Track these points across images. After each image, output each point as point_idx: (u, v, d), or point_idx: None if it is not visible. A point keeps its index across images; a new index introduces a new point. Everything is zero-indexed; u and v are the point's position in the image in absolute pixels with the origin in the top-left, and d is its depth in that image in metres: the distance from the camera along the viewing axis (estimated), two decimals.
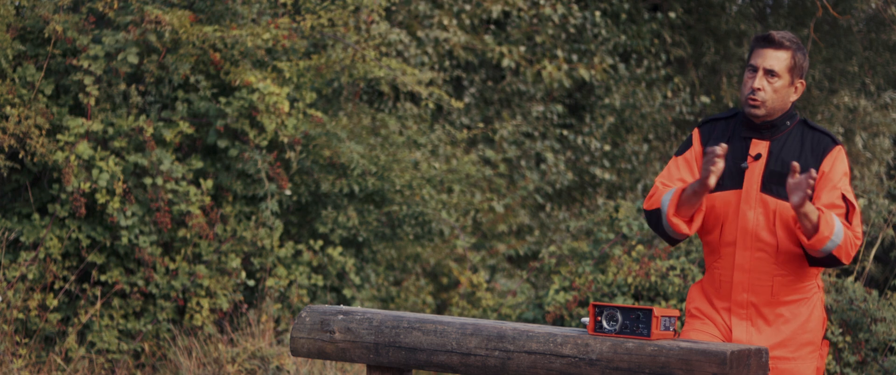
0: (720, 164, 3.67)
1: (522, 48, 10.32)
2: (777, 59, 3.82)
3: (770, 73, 3.82)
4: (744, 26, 11.48)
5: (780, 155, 3.83)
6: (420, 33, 9.56)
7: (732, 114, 3.97)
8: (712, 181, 3.68)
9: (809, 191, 3.60)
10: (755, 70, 3.83)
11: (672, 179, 3.94)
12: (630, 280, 6.42)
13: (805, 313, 3.85)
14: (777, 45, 3.82)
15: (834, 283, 6.11)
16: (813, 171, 3.59)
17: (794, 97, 3.88)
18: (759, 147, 3.86)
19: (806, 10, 11.37)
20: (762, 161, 3.83)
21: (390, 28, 8.51)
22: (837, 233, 3.66)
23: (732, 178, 3.86)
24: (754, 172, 3.84)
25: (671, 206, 3.82)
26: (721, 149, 3.66)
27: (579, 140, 10.94)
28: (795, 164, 3.62)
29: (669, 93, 11.42)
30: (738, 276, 3.85)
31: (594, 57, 10.53)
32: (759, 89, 3.80)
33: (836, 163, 3.80)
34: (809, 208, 3.63)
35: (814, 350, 3.87)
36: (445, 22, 9.68)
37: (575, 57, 10.39)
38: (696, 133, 3.99)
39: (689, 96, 11.58)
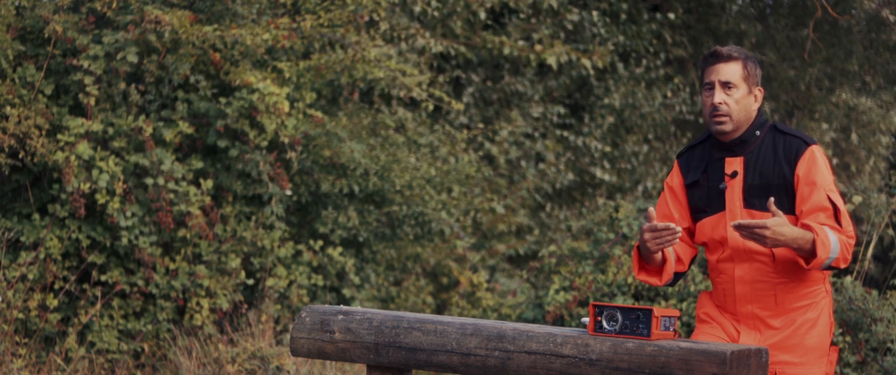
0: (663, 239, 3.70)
1: (521, 43, 10.32)
2: (729, 71, 3.82)
3: (726, 86, 3.81)
4: (744, 26, 11.49)
5: (756, 167, 3.81)
6: (403, 45, 9.57)
7: (707, 137, 3.96)
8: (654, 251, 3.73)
9: (767, 233, 3.57)
10: (712, 86, 3.83)
11: (661, 211, 4.00)
12: (630, 280, 6.42)
13: (813, 319, 3.83)
14: (726, 58, 3.83)
15: (833, 283, 6.12)
16: (770, 211, 3.62)
17: (755, 105, 3.86)
18: (734, 164, 3.85)
19: (806, 10, 11.37)
20: (739, 177, 3.83)
21: (374, 36, 8.52)
22: (834, 249, 3.65)
23: (714, 201, 3.87)
24: (734, 190, 3.83)
25: (634, 267, 3.91)
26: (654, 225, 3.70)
27: (579, 141, 10.94)
28: (771, 204, 3.62)
29: (669, 93, 11.42)
30: (740, 288, 3.84)
31: (593, 56, 10.53)
32: (720, 103, 3.80)
33: (812, 164, 3.77)
34: (800, 239, 3.61)
35: (822, 355, 3.85)
36: (420, 37, 9.68)
37: (575, 57, 10.38)
38: (676, 165, 4.02)
39: (688, 96, 11.58)
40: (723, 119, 3.81)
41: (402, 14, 9.72)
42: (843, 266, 3.71)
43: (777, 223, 3.58)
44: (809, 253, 3.65)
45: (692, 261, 4.02)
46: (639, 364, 3.37)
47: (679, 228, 3.67)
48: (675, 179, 3.99)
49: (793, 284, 3.81)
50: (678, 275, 3.97)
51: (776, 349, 3.81)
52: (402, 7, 9.76)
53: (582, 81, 11.14)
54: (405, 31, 9.62)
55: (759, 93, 3.88)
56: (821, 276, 3.85)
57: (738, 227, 3.60)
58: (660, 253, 3.83)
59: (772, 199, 3.63)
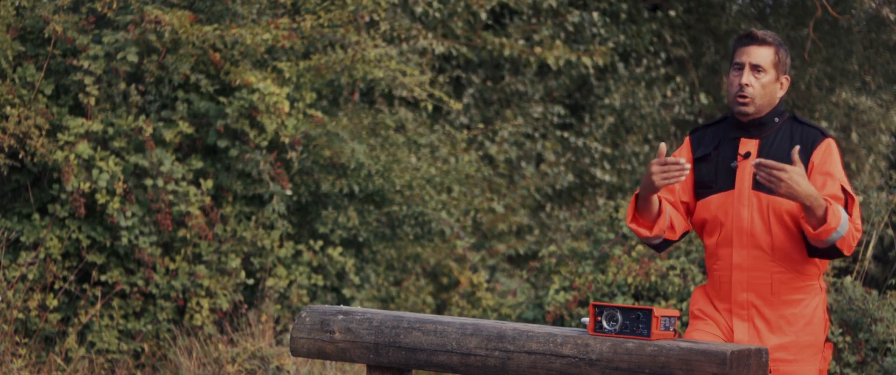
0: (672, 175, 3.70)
1: (521, 42, 10.32)
2: (762, 55, 3.84)
3: (756, 69, 3.84)
4: (744, 26, 11.48)
5: (770, 151, 3.83)
6: (404, 46, 9.57)
7: (722, 119, 3.99)
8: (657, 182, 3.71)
9: (784, 177, 3.59)
10: (741, 67, 3.85)
11: None
12: (630, 280, 6.42)
13: (807, 314, 3.84)
14: (760, 41, 3.86)
15: (833, 283, 6.12)
16: (795, 156, 3.62)
17: (780, 93, 3.90)
18: (749, 145, 3.87)
19: (806, 9, 11.37)
20: (752, 158, 3.84)
21: (374, 36, 8.52)
22: (843, 225, 3.66)
23: (724, 179, 3.88)
24: (745, 171, 3.85)
25: (628, 214, 3.91)
26: (665, 156, 3.70)
27: (580, 141, 10.94)
28: (795, 153, 3.63)
29: (669, 93, 11.42)
30: (737, 276, 3.85)
31: (593, 55, 10.53)
32: (747, 85, 3.82)
33: (828, 154, 3.80)
34: (813, 198, 3.62)
35: (816, 352, 3.86)
36: (422, 38, 9.68)
37: (575, 57, 10.39)
38: (687, 140, 4.04)
39: (688, 96, 11.58)
40: (747, 101, 3.83)
41: (403, 15, 9.73)
42: (846, 253, 3.71)
43: (796, 172, 3.59)
44: (819, 220, 3.65)
45: (682, 236, 4.01)
46: (639, 364, 3.37)
47: (687, 165, 3.68)
48: (683, 154, 4.00)
49: (789, 275, 3.82)
50: (667, 242, 3.97)
51: (771, 345, 3.82)
52: (404, 7, 9.76)
53: (582, 81, 11.14)
54: (407, 31, 9.63)
55: (785, 81, 3.90)
56: (817, 270, 3.86)
57: (758, 165, 3.61)
58: (656, 205, 3.84)
59: (797, 148, 3.64)
